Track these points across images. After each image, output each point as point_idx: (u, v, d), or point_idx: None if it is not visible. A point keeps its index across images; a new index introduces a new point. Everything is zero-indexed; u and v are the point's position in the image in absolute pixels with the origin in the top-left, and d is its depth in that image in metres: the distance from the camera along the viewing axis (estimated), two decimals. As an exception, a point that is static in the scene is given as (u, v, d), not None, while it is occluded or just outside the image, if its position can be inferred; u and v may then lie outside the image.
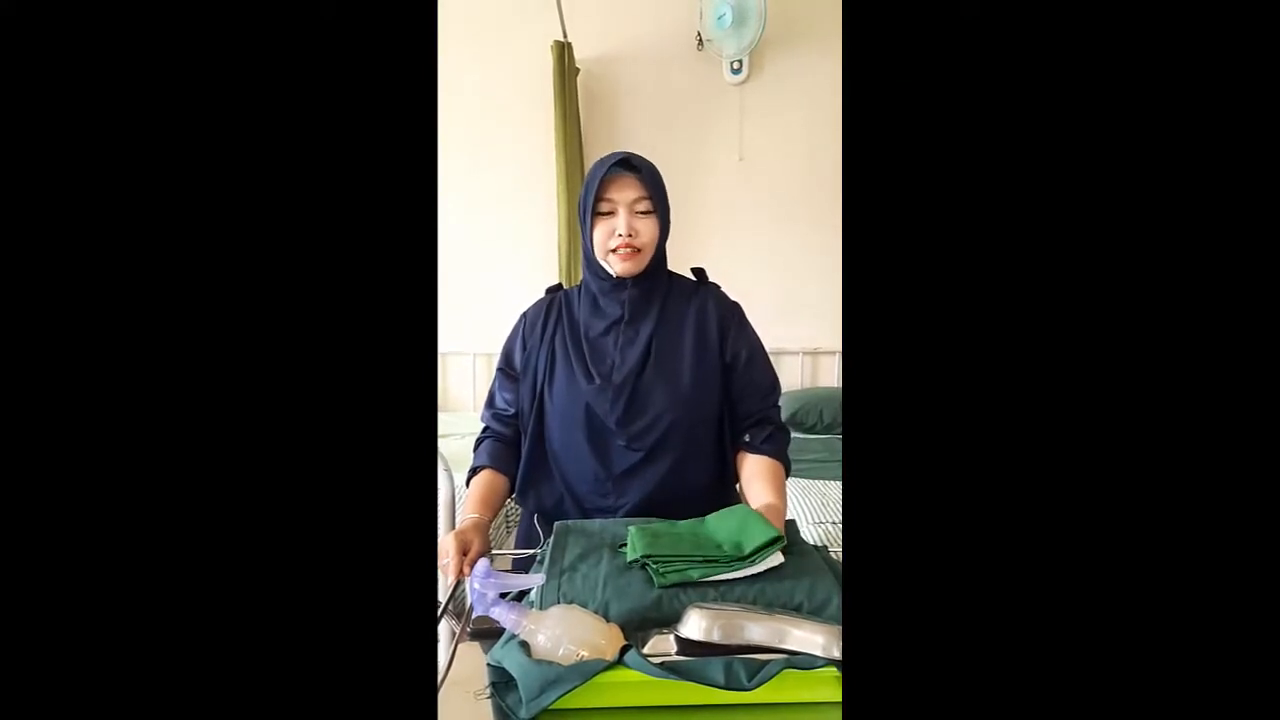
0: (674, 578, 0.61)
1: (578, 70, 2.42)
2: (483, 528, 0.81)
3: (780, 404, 0.96)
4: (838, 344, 2.60)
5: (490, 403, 0.97)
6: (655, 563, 0.63)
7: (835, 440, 2.23)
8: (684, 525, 0.73)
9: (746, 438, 0.91)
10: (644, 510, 0.85)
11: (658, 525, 0.73)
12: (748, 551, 0.63)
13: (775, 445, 0.91)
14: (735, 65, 2.47)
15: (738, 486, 0.93)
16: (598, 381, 0.87)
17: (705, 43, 2.45)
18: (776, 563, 0.64)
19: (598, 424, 0.87)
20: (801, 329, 2.54)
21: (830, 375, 2.64)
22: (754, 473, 0.88)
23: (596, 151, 2.46)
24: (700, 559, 0.63)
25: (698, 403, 0.88)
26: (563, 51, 2.32)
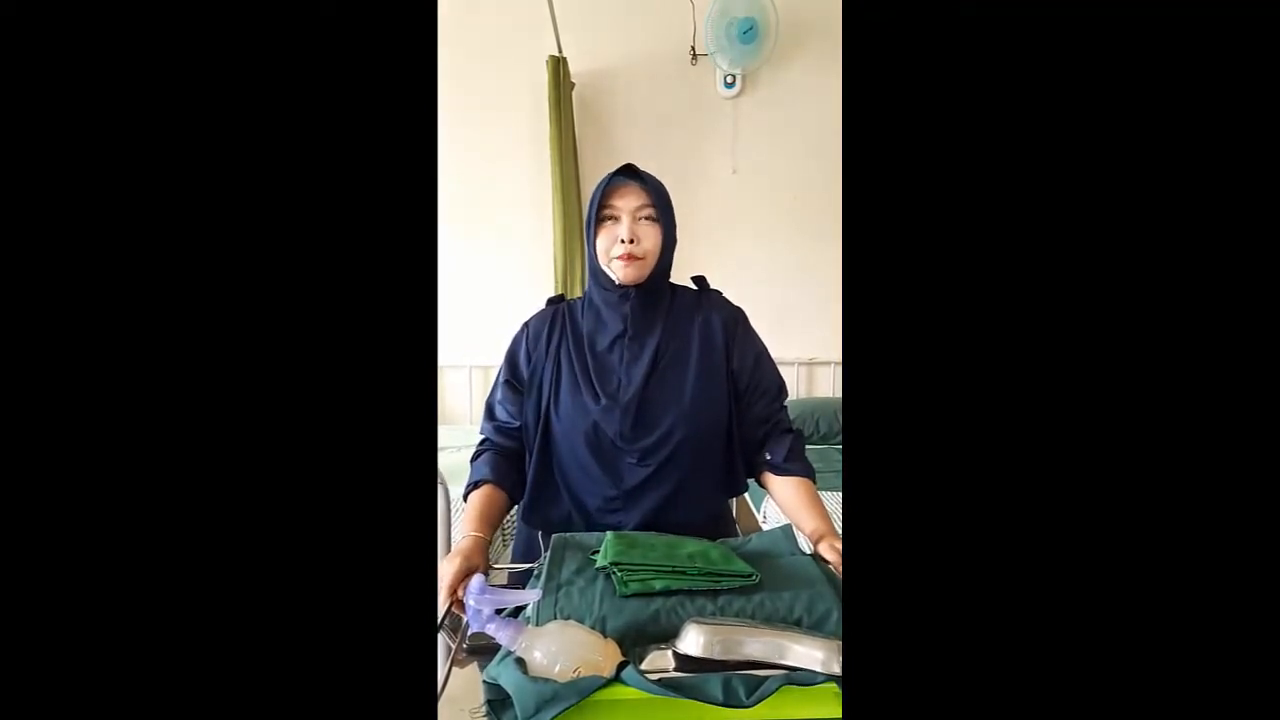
0: (636, 586, 0.61)
1: (573, 84, 2.44)
2: (484, 547, 0.80)
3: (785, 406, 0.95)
4: (833, 354, 2.61)
5: (490, 415, 0.95)
6: (620, 570, 0.63)
7: (831, 450, 2.23)
8: (662, 539, 0.72)
9: (768, 455, 0.91)
10: (652, 525, 0.84)
11: (636, 535, 0.72)
12: (719, 571, 0.63)
13: (800, 462, 0.90)
14: (729, 79, 2.49)
15: (757, 512, 0.92)
16: (605, 401, 0.87)
17: (700, 57, 2.47)
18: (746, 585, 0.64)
19: (606, 442, 0.87)
20: (796, 340, 2.55)
21: (826, 386, 2.64)
22: (796, 502, 0.87)
23: (592, 164, 2.48)
24: (669, 569, 0.63)
25: (705, 415, 0.88)
26: (558, 66, 2.34)
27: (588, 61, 2.48)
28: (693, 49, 2.48)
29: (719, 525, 0.92)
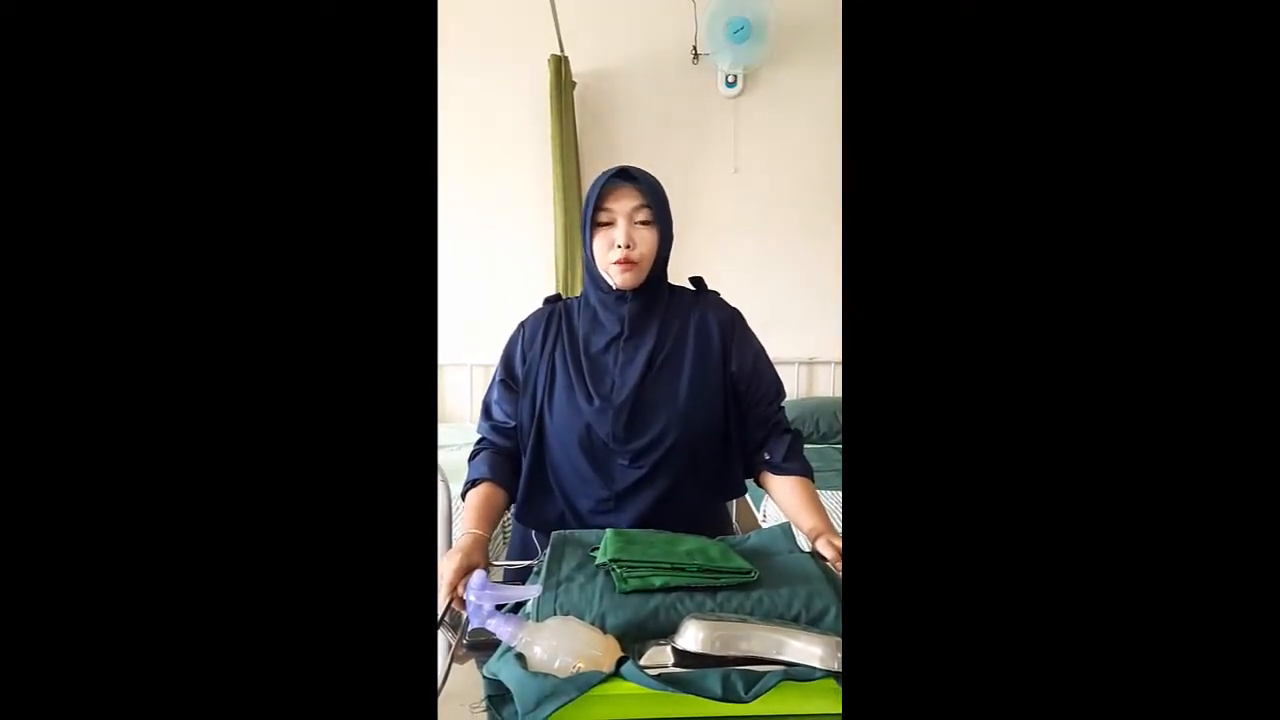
0: (635, 583, 0.61)
1: (574, 83, 2.44)
2: (483, 545, 0.80)
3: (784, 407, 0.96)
4: (833, 354, 2.61)
5: (487, 414, 0.96)
6: (620, 567, 0.63)
7: (831, 450, 2.24)
8: (661, 535, 0.72)
9: (766, 455, 0.91)
10: (645, 526, 0.83)
11: (635, 532, 0.73)
12: (718, 568, 0.63)
13: (799, 461, 0.91)
14: (730, 79, 2.49)
15: (757, 511, 0.92)
16: (598, 403, 0.87)
17: (701, 56, 2.47)
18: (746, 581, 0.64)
19: (599, 443, 0.87)
20: (797, 339, 2.55)
21: (826, 385, 2.64)
22: (795, 501, 0.88)
23: (593, 163, 2.48)
24: (668, 566, 0.63)
25: (700, 419, 0.88)
26: (560, 65, 2.34)
27: (589, 61, 2.48)
28: (694, 49, 2.48)
29: (714, 527, 0.92)
